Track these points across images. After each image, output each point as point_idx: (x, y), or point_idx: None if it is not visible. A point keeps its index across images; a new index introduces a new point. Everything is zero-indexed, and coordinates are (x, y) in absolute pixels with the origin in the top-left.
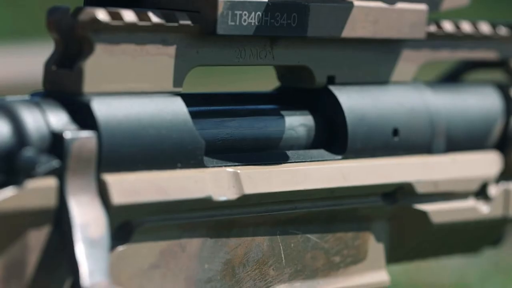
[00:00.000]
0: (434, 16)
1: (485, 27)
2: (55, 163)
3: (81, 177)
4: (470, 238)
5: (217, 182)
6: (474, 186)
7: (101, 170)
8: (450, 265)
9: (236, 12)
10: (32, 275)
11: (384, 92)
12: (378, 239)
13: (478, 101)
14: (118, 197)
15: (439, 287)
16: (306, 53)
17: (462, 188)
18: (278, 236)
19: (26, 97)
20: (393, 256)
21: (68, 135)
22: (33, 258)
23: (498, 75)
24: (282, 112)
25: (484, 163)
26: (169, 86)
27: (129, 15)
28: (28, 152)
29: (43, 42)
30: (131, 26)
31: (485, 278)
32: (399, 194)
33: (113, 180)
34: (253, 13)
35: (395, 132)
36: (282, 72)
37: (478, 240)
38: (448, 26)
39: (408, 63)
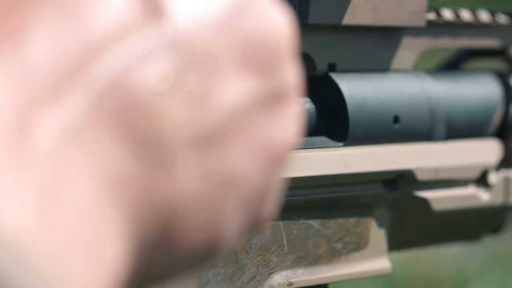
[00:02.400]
0: (434, 4)
1: (484, 15)
2: None
3: None
4: (470, 226)
5: None
6: (474, 174)
7: None
8: (449, 256)
9: None
10: None
11: (384, 80)
12: (380, 226)
13: (478, 89)
14: None
15: (438, 278)
16: (307, 41)
17: (462, 176)
18: (280, 223)
19: None
20: (394, 244)
21: None
22: None
23: (498, 64)
24: None
25: (484, 151)
26: None
27: None
28: None
29: None
30: None
31: (484, 269)
32: (400, 181)
33: None
34: None
35: (396, 119)
36: None
37: (478, 227)
38: (447, 14)
39: (408, 51)
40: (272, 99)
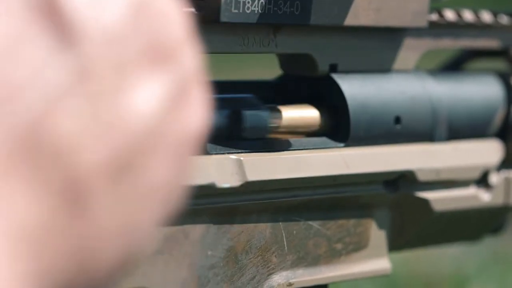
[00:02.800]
0: (436, 5)
1: (486, 16)
2: None
3: None
4: (471, 226)
5: (220, 169)
6: (476, 174)
7: None
8: (448, 256)
9: None
10: None
11: (386, 80)
12: (380, 226)
13: (479, 90)
14: None
15: (438, 278)
16: (309, 41)
17: (463, 176)
18: (280, 223)
19: None
20: (394, 244)
21: None
22: None
23: (500, 64)
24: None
25: (485, 151)
26: None
27: None
28: None
29: None
30: None
31: (483, 268)
32: (401, 182)
33: None
34: (257, 0)
35: (397, 120)
36: (285, 60)
37: (479, 228)
38: (450, 15)
39: (410, 52)
40: (180, 91)
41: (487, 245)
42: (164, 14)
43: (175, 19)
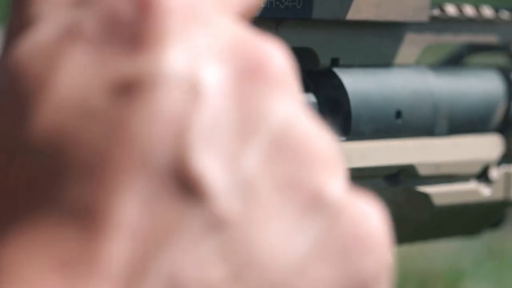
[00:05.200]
0: (437, 0)
1: (487, 11)
2: None
3: None
4: (470, 221)
5: None
6: (476, 169)
7: None
8: (443, 251)
9: None
10: None
11: (387, 75)
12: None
13: (480, 85)
14: None
15: (433, 273)
16: (310, 35)
17: (463, 171)
18: None
19: None
20: (394, 238)
21: None
22: None
23: (500, 59)
24: None
25: (486, 146)
26: None
27: None
28: None
29: None
30: None
31: (478, 263)
32: (402, 176)
33: None
34: None
35: (398, 114)
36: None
37: (479, 222)
38: (451, 9)
39: (411, 46)
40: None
41: (482, 241)
42: (305, 143)
43: (320, 143)
